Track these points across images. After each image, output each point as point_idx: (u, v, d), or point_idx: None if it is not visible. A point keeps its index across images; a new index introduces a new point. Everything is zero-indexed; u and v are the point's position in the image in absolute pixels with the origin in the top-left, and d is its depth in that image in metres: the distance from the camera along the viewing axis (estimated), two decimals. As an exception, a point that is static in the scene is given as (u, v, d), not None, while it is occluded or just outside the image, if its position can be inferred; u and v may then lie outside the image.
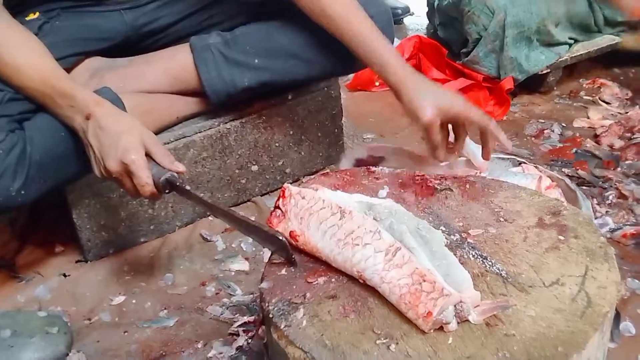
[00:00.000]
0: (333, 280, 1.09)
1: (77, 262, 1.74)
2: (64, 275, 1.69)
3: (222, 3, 1.78)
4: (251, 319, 1.49)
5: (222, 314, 1.54)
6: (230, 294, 1.60)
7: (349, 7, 1.56)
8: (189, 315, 1.55)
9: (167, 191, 1.36)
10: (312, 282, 1.09)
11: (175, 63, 1.71)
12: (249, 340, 1.43)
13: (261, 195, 1.94)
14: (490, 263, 1.10)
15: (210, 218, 1.86)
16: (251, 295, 1.58)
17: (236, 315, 1.53)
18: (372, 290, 1.06)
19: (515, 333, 0.97)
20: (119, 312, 1.57)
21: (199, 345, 1.46)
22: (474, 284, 1.04)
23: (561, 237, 1.16)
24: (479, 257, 1.11)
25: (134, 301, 1.60)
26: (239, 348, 1.41)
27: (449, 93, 1.57)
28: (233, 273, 1.67)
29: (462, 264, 1.09)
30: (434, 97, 1.49)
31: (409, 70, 1.54)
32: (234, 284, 1.63)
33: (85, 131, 1.35)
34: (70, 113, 1.37)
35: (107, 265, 1.71)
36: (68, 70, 1.53)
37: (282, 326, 1.02)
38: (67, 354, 1.43)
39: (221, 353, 1.42)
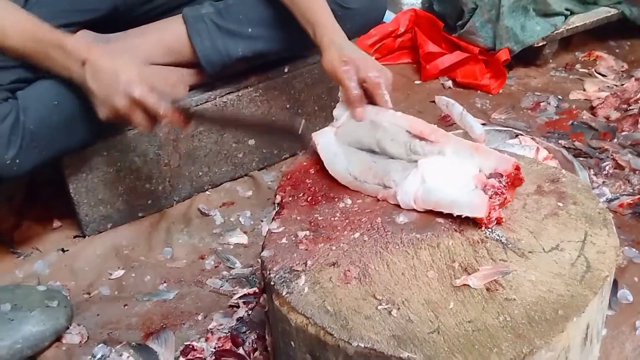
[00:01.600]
0: (334, 247, 1.09)
1: (75, 237, 1.74)
2: (62, 250, 1.69)
3: None
4: (251, 291, 1.50)
5: (221, 287, 1.55)
6: (230, 267, 1.61)
7: None
8: (189, 288, 1.56)
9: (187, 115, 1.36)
10: (312, 251, 1.09)
11: (168, 34, 1.69)
12: (249, 312, 1.43)
13: (258, 170, 1.94)
14: (490, 229, 1.11)
15: (208, 192, 1.86)
16: (250, 268, 1.59)
17: (236, 288, 1.54)
18: (373, 257, 1.07)
19: (516, 297, 0.98)
20: (118, 285, 1.58)
21: (199, 318, 1.46)
22: (473, 251, 1.06)
23: (560, 204, 1.17)
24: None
25: (133, 275, 1.61)
26: (240, 319, 1.42)
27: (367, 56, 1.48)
28: (232, 246, 1.68)
29: (461, 231, 1.11)
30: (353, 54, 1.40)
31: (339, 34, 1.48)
32: (233, 257, 1.64)
33: (84, 77, 1.35)
34: (65, 63, 1.37)
35: (106, 240, 1.71)
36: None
37: (284, 293, 1.02)
38: (67, 327, 1.44)
39: (221, 324, 1.43)
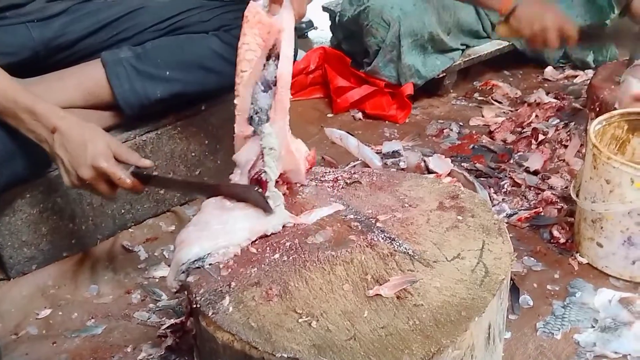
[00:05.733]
0: (255, 269, 1.17)
1: (-1, 280, 1.74)
2: (-13, 294, 1.69)
3: (131, 19, 1.82)
4: (178, 320, 1.53)
5: (149, 319, 1.58)
6: (156, 299, 1.64)
7: None
8: (117, 322, 1.58)
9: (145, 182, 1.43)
10: (235, 273, 1.16)
11: (87, 78, 1.73)
12: (177, 340, 1.47)
13: (180, 205, 1.98)
14: (398, 243, 1.21)
15: (131, 230, 1.89)
16: (176, 300, 1.63)
17: (163, 319, 1.57)
18: (293, 275, 1.15)
19: (423, 303, 1.08)
20: (46, 324, 1.59)
21: (129, 350, 1.49)
22: (384, 263, 1.15)
23: (460, 217, 1.28)
24: (387, 238, 1.22)
25: (60, 313, 1.62)
26: (168, 347, 1.46)
27: None
28: (157, 280, 1.71)
29: (372, 246, 1.20)
30: None
31: None
32: (158, 289, 1.67)
33: (52, 144, 1.39)
34: (33, 127, 1.40)
35: (31, 280, 1.71)
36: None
37: (210, 314, 1.08)
38: (-5, 369, 1.44)
39: (151, 355, 1.46)
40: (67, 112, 1.44)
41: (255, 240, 1.24)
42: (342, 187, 1.39)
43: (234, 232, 1.22)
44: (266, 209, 1.25)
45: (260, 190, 1.26)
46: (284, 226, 1.27)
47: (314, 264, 1.17)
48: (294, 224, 1.28)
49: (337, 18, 2.79)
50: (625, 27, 2.11)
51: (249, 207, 1.26)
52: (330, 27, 2.94)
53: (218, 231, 1.22)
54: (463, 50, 2.63)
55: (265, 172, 1.26)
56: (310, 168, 1.39)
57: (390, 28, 2.44)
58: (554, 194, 1.92)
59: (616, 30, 2.51)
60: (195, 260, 1.18)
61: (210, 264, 1.18)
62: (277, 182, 1.28)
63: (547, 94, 2.53)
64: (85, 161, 1.37)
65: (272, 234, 1.25)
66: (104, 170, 1.37)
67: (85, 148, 1.37)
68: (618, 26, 2.66)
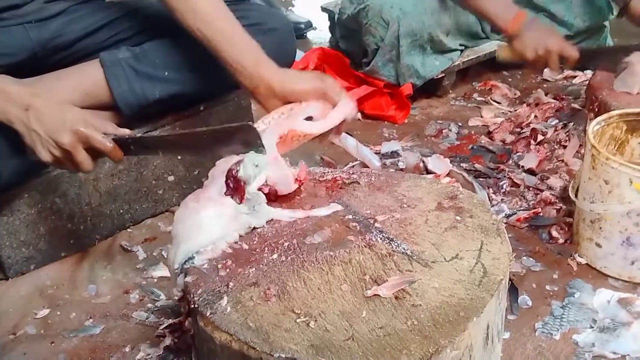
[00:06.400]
0: (253, 269, 1.17)
1: (-3, 280, 1.74)
2: (-15, 294, 1.69)
3: (129, 19, 1.82)
4: (177, 320, 1.53)
5: (147, 319, 1.58)
6: (155, 299, 1.64)
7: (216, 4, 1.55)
8: (115, 322, 1.58)
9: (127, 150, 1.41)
10: (233, 273, 1.16)
11: (86, 78, 1.73)
12: (176, 340, 1.47)
13: (179, 205, 1.97)
14: (396, 244, 1.21)
15: (129, 230, 1.89)
16: (175, 299, 1.63)
17: (161, 319, 1.57)
18: (291, 275, 1.15)
19: (422, 303, 1.08)
20: (44, 324, 1.59)
21: (127, 349, 1.50)
22: (382, 264, 1.15)
23: (458, 218, 1.28)
24: (386, 239, 1.22)
25: (58, 313, 1.62)
26: (167, 347, 1.46)
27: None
28: (156, 280, 1.72)
29: (371, 246, 1.20)
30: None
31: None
32: (157, 289, 1.67)
33: (27, 122, 1.38)
34: (7, 108, 1.39)
35: (29, 280, 1.71)
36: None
37: (208, 314, 1.08)
38: (-7, 369, 1.45)
39: (149, 354, 1.46)
40: (40, 90, 1.45)
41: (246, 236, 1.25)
42: (341, 188, 1.39)
43: (212, 228, 1.23)
44: (254, 144, 1.26)
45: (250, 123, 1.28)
46: (269, 221, 1.28)
47: (312, 264, 1.17)
48: (289, 222, 1.28)
49: (336, 16, 2.79)
50: (623, 48, 2.18)
51: (224, 203, 1.26)
52: (329, 27, 2.94)
53: (192, 230, 1.23)
54: (462, 50, 2.63)
55: (239, 169, 1.26)
56: (302, 184, 1.38)
57: (389, 28, 2.44)
58: (552, 195, 1.92)
59: (614, 50, 2.54)
60: (186, 261, 1.19)
61: (204, 263, 1.19)
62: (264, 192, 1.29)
63: (546, 94, 2.54)
64: (64, 126, 1.35)
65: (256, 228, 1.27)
66: (83, 133, 1.36)
67: (64, 115, 1.36)
68: (616, 46, 2.72)
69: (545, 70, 2.76)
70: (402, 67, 2.47)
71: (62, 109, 1.38)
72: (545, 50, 2.10)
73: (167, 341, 1.47)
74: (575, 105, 2.38)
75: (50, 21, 1.72)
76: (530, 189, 1.98)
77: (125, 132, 1.42)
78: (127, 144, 1.41)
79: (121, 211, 1.87)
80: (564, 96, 2.51)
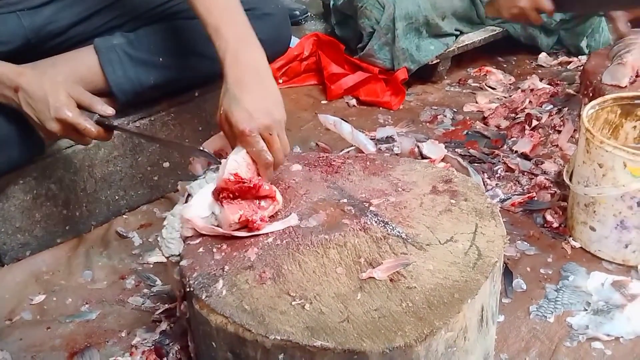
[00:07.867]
0: (248, 252, 1.17)
1: (-7, 266, 1.74)
2: (-20, 280, 1.69)
3: (122, 5, 1.81)
4: (172, 305, 1.53)
5: (143, 304, 1.58)
6: (150, 285, 1.64)
7: None
8: (111, 307, 1.59)
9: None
10: (228, 256, 1.17)
11: (80, 65, 1.73)
12: (172, 325, 1.48)
13: (174, 192, 1.98)
14: (391, 227, 1.21)
15: (125, 216, 1.89)
16: (171, 285, 1.63)
17: (157, 304, 1.57)
18: (286, 258, 1.15)
19: (416, 285, 1.09)
20: (40, 310, 1.59)
21: (123, 334, 1.50)
22: (377, 247, 1.16)
23: (453, 201, 1.29)
24: (381, 222, 1.22)
25: (54, 299, 1.62)
26: (163, 332, 1.46)
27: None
28: (151, 265, 1.72)
29: (366, 229, 1.21)
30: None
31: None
32: (153, 275, 1.67)
33: (19, 103, 1.41)
34: (1, 90, 1.42)
35: (25, 267, 1.71)
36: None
37: (203, 297, 1.09)
38: (-10, 354, 1.45)
39: (145, 339, 1.46)
40: (25, 67, 1.46)
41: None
42: (336, 172, 1.39)
43: None
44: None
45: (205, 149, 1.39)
46: None
47: (308, 248, 1.18)
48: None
49: (331, 3, 2.78)
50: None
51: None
52: (323, 13, 2.94)
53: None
54: (457, 35, 2.62)
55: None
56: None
57: (385, 10, 2.45)
58: (547, 179, 1.92)
59: None
60: None
61: None
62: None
63: (541, 80, 2.54)
64: (49, 115, 1.39)
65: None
66: (68, 121, 1.39)
67: (47, 102, 1.39)
68: None
69: (540, 55, 2.77)
70: (397, 50, 2.47)
71: (46, 90, 1.40)
72: (519, 8, 2.17)
73: (163, 326, 1.47)
74: (570, 91, 2.38)
75: (43, 8, 1.71)
76: (525, 173, 1.98)
77: (108, 111, 1.46)
78: (111, 127, 1.47)
79: (116, 197, 1.87)
80: (558, 81, 2.52)
